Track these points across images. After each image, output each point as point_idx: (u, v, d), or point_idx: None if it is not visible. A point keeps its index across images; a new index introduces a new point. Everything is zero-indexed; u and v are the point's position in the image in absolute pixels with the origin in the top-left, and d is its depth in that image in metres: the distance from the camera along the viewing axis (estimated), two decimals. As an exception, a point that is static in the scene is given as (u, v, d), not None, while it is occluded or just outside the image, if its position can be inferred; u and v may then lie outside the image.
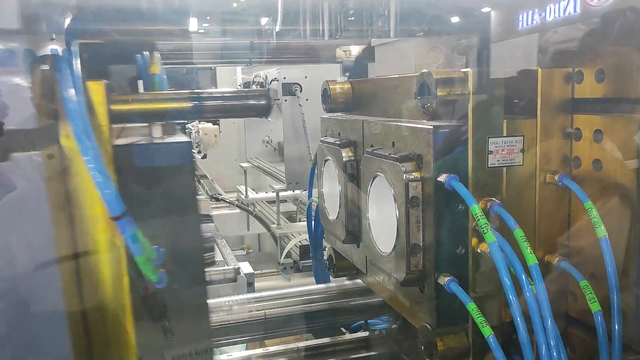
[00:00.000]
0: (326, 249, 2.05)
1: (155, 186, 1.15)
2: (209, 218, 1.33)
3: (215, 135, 5.97)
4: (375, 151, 1.40)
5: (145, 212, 1.11)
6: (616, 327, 1.12)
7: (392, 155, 1.30)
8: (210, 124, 6.18)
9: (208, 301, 1.30)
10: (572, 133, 1.26)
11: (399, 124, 1.36)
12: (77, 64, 1.00)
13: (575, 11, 1.24)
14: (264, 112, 1.24)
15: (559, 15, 1.29)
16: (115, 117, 1.17)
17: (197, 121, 6.03)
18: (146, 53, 1.69)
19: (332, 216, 1.75)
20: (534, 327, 1.08)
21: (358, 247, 1.67)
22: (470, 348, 1.26)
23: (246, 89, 1.37)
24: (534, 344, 1.09)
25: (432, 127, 1.20)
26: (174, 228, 1.15)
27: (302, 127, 3.92)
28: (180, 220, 1.17)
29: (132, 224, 0.96)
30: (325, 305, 1.93)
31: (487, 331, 1.12)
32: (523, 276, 1.10)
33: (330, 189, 1.75)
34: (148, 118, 1.22)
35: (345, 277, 1.98)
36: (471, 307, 1.16)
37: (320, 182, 1.83)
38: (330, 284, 2.06)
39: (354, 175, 1.59)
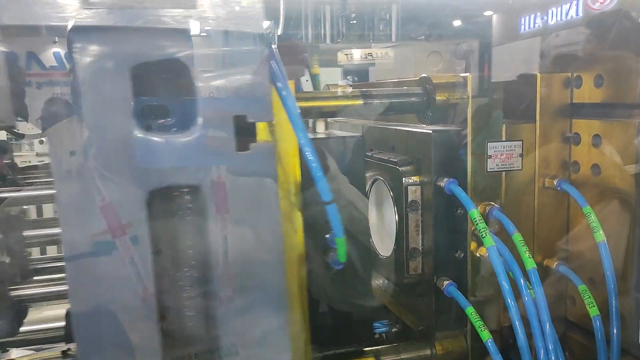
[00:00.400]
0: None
1: (334, 178, 1.21)
2: None
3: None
4: (374, 155, 1.41)
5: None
6: (614, 331, 1.12)
7: (391, 159, 1.31)
8: None
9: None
10: (571, 138, 1.26)
11: (398, 128, 1.36)
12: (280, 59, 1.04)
13: (577, 15, 1.25)
14: (422, 109, 1.26)
15: (561, 19, 1.29)
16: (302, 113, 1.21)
17: None
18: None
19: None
20: (532, 331, 1.08)
21: (358, 251, 1.67)
22: (469, 352, 1.26)
23: (405, 87, 1.38)
24: (532, 348, 1.09)
25: (431, 131, 1.21)
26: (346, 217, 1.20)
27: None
28: (352, 210, 1.24)
29: (336, 208, 1.02)
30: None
31: (486, 335, 1.12)
32: (522, 280, 1.10)
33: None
34: (325, 114, 1.31)
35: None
36: (470, 311, 1.16)
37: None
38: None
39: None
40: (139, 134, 0.90)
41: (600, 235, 1.13)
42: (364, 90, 1.26)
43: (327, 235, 1.14)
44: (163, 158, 0.93)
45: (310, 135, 1.18)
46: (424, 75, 1.23)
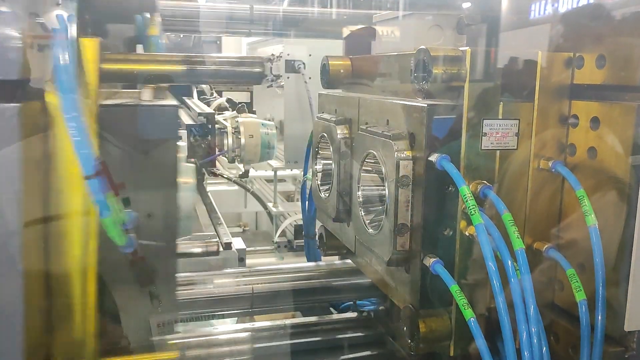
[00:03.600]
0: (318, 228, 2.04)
1: (138, 150, 1.13)
2: (190, 186, 1.31)
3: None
4: (369, 129, 1.38)
5: (124, 175, 1.10)
6: (599, 317, 1.10)
7: (385, 132, 1.28)
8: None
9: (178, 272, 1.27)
10: (569, 119, 1.23)
11: (393, 101, 1.33)
12: (71, 18, 0.98)
13: (588, 1, 1.22)
14: (257, 79, 1.22)
15: (572, 7, 1.26)
16: (107, 76, 1.15)
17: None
18: (147, 15, 1.66)
19: (324, 194, 1.73)
20: (516, 314, 1.06)
21: (348, 226, 1.65)
22: (453, 331, 1.24)
23: (240, 56, 1.34)
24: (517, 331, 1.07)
25: (426, 105, 1.18)
26: (151, 194, 1.14)
27: (303, 106, 3.87)
28: (159, 187, 1.16)
29: (103, 185, 0.95)
30: (314, 284, 1.92)
31: (469, 314, 1.11)
32: (509, 261, 1.08)
33: (325, 166, 1.73)
34: (139, 79, 1.19)
35: (336, 257, 1.97)
36: (454, 289, 1.14)
37: (315, 160, 1.81)
38: (320, 263, 2.05)
39: (348, 153, 1.57)
40: None
41: (592, 219, 1.11)
42: (190, 56, 1.20)
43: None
44: None
45: (122, 102, 1.13)
46: (422, 46, 1.19)
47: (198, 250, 1.86)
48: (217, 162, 5.13)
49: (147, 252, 1.17)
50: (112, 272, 1.17)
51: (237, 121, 3.48)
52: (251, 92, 5.72)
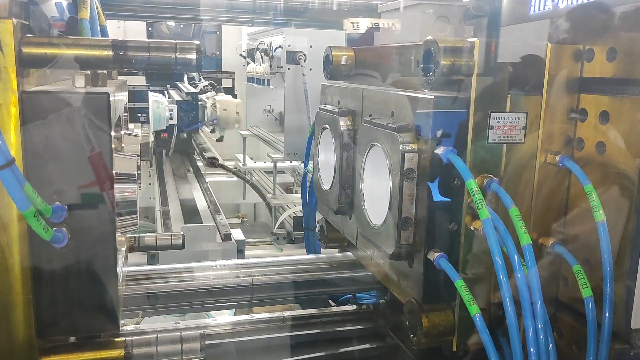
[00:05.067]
0: (319, 221, 2.03)
1: (64, 139, 1.09)
2: (132, 178, 1.24)
3: (237, 112, 5.09)
4: (373, 120, 1.36)
5: (49, 166, 1.08)
6: (607, 314, 1.09)
7: (389, 125, 1.26)
8: (230, 97, 5.28)
9: (118, 268, 1.24)
10: (578, 113, 1.21)
11: (399, 93, 1.31)
12: None
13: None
14: (190, 67, 1.17)
15: (572, 2, 1.25)
16: (29, 61, 1.10)
17: (212, 92, 5.56)
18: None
19: (326, 186, 1.71)
20: (522, 309, 1.05)
21: (350, 219, 1.64)
22: (456, 326, 1.23)
23: (175, 40, 1.29)
24: (522, 327, 1.06)
25: (432, 97, 1.16)
26: (79, 186, 1.10)
27: (304, 97, 3.85)
28: (87, 179, 1.12)
29: (18, 175, 0.89)
30: (313, 276, 1.91)
31: (474, 309, 1.09)
32: (515, 256, 1.06)
33: (326, 158, 1.71)
34: (64, 64, 1.13)
35: (336, 249, 1.96)
36: (459, 284, 1.13)
37: (317, 151, 1.79)
38: (320, 255, 2.04)
39: (351, 145, 1.55)
40: None
41: (600, 215, 1.09)
42: (119, 41, 1.15)
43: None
44: None
45: (49, 88, 1.08)
46: (429, 37, 1.17)
47: (164, 243, 1.82)
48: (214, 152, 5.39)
49: (82, 246, 1.14)
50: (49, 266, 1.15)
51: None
52: (233, 79, 6.71)
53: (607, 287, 1.09)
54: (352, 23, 3.02)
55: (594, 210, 1.10)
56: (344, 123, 1.57)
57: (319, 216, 2.03)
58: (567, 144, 1.23)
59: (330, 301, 2.17)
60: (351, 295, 2.07)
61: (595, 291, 1.12)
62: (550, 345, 1.06)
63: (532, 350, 1.05)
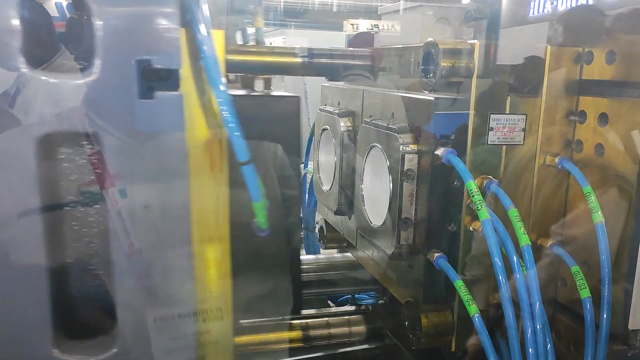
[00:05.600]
0: (318, 221, 2.03)
1: (264, 138, 1.14)
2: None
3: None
4: (373, 121, 1.37)
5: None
6: (604, 315, 1.10)
7: (390, 126, 1.27)
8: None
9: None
10: (577, 115, 1.22)
11: (399, 94, 1.32)
12: (205, 10, 0.97)
13: (587, 2, 1.21)
14: (369, 72, 1.21)
15: (571, 5, 1.25)
16: (230, 67, 1.15)
17: None
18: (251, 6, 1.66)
19: (325, 187, 1.72)
20: (521, 310, 1.06)
21: (349, 220, 1.64)
22: (455, 327, 1.24)
23: (352, 49, 1.35)
24: (521, 328, 1.07)
25: (433, 98, 1.17)
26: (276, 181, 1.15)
27: (303, 98, 3.86)
28: (283, 175, 1.19)
29: (255, 170, 0.98)
30: (313, 277, 1.91)
31: (473, 309, 1.10)
32: (514, 257, 1.07)
33: (326, 159, 1.72)
34: (260, 70, 1.20)
35: (335, 250, 1.96)
36: (459, 284, 1.14)
37: (317, 152, 1.80)
38: (320, 256, 2.04)
39: (351, 146, 1.55)
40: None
41: (599, 216, 1.10)
42: (306, 50, 1.19)
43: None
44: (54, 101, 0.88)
45: (242, 93, 1.13)
46: (430, 39, 1.18)
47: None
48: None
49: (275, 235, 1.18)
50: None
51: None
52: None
53: (604, 288, 1.09)
54: (352, 25, 3.02)
55: (593, 211, 1.10)
56: (344, 124, 1.57)
57: (318, 217, 2.04)
58: (566, 145, 1.24)
59: (329, 302, 2.18)
60: (350, 295, 2.08)
61: (593, 293, 1.12)
62: (549, 346, 1.07)
63: (530, 350, 1.05)
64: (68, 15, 1.61)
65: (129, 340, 0.99)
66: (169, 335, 1.02)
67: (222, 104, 0.94)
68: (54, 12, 1.59)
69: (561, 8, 1.28)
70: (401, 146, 1.21)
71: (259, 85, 1.31)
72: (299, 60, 1.18)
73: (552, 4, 1.30)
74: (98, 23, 0.88)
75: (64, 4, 1.65)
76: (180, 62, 0.93)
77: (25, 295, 0.97)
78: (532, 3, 1.35)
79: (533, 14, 1.35)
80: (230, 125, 0.94)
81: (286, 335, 1.32)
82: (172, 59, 0.92)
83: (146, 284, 1.01)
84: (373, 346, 1.87)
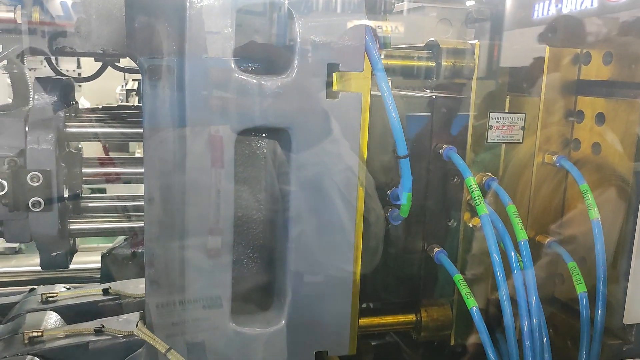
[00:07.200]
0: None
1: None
2: None
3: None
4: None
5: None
6: (599, 310, 1.12)
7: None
8: None
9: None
10: (575, 114, 1.24)
11: (402, 93, 1.34)
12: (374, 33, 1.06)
13: (592, 5, 1.23)
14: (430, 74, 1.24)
15: (575, 9, 1.27)
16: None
17: None
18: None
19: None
20: (518, 304, 1.08)
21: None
22: (454, 320, 1.26)
23: (413, 48, 1.36)
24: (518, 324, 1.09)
25: (433, 97, 1.19)
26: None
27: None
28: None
29: (409, 164, 1.05)
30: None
31: (471, 302, 1.12)
32: (512, 252, 1.09)
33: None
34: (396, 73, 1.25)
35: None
36: (457, 278, 1.16)
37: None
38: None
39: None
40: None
41: (595, 213, 1.12)
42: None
43: (389, 191, 1.17)
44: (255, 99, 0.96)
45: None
46: (431, 39, 1.21)
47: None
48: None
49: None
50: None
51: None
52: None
53: (600, 284, 1.12)
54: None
55: (589, 208, 1.12)
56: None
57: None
58: (565, 144, 1.26)
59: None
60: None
61: (591, 289, 1.14)
62: (545, 340, 1.09)
63: (527, 344, 1.08)
64: (73, 14, 1.62)
65: (294, 316, 1.07)
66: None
67: (388, 102, 1.02)
68: (59, 11, 1.60)
69: (566, 11, 1.30)
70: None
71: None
72: (429, 64, 1.23)
73: (556, 6, 1.32)
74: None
75: (69, 3, 1.66)
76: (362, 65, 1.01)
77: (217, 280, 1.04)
78: (536, 5, 1.37)
79: (538, 16, 1.37)
80: (395, 120, 1.01)
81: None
82: (357, 63, 1.01)
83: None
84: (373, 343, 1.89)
